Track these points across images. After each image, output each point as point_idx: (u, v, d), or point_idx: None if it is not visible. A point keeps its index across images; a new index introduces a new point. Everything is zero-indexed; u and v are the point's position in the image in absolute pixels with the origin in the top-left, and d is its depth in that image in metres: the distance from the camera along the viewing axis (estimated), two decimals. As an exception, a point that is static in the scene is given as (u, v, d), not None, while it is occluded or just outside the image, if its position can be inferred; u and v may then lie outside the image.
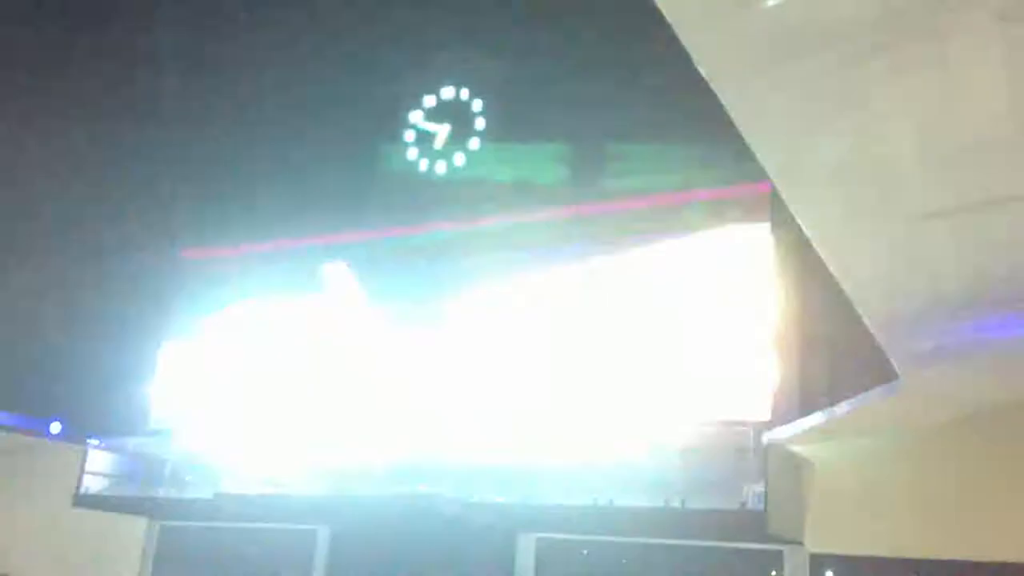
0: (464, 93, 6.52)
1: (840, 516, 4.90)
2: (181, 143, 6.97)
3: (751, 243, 5.38)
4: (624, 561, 5.55)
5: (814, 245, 3.61)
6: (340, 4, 6.40)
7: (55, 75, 6.28)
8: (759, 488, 5.11)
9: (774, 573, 5.35)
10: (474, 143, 6.42)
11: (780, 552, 5.30)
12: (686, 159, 5.64)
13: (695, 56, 2.66)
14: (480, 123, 6.42)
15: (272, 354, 6.77)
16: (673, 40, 5.15)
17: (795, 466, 5.26)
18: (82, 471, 7.16)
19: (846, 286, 3.71)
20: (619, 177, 5.86)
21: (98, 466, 7.17)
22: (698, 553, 5.38)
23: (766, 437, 5.16)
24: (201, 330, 7.02)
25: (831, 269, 3.58)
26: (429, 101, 6.62)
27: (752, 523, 5.00)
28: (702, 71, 2.69)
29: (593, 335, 5.71)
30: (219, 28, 6.32)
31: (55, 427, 7.16)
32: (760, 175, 5.36)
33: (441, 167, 6.47)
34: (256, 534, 6.76)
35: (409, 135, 6.66)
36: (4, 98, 6.26)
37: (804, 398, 5.04)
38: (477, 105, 6.47)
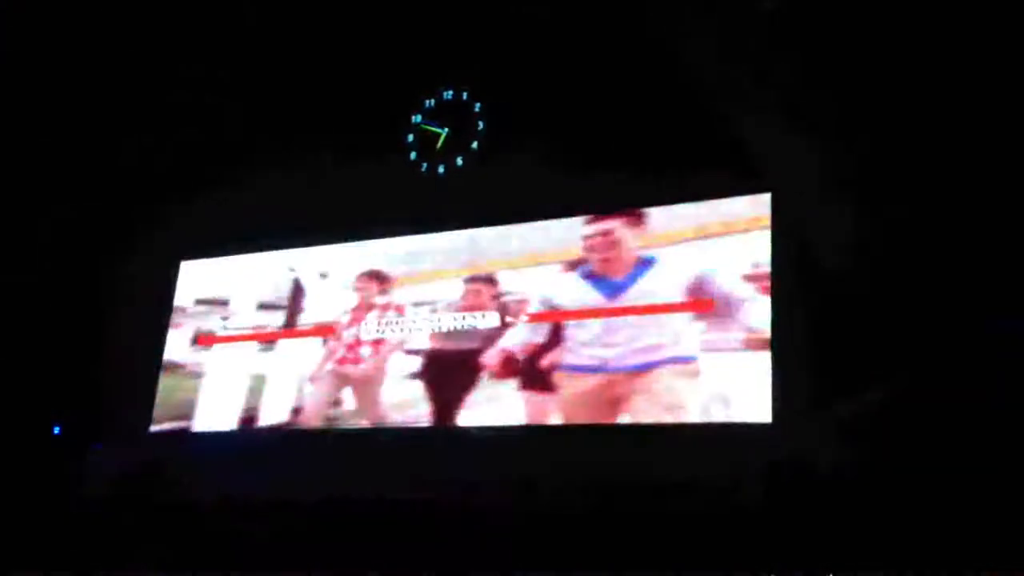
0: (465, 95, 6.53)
1: (842, 524, 4.78)
2: (178, 146, 7.01)
3: (751, 245, 5.31)
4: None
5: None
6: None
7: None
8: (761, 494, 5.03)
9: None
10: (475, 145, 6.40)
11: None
12: (688, 163, 5.57)
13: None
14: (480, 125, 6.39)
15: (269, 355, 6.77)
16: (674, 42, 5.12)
17: (797, 471, 5.16)
18: (82, 474, 7.20)
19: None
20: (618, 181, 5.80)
21: (98, 469, 7.18)
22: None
23: (767, 441, 5.07)
24: (203, 332, 7.02)
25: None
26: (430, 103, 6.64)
27: (754, 531, 4.91)
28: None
29: (595, 334, 5.64)
30: (214, 27, 6.35)
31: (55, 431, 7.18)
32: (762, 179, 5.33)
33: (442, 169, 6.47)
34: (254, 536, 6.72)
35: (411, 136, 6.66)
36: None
37: (806, 401, 4.94)
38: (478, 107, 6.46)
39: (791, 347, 4.98)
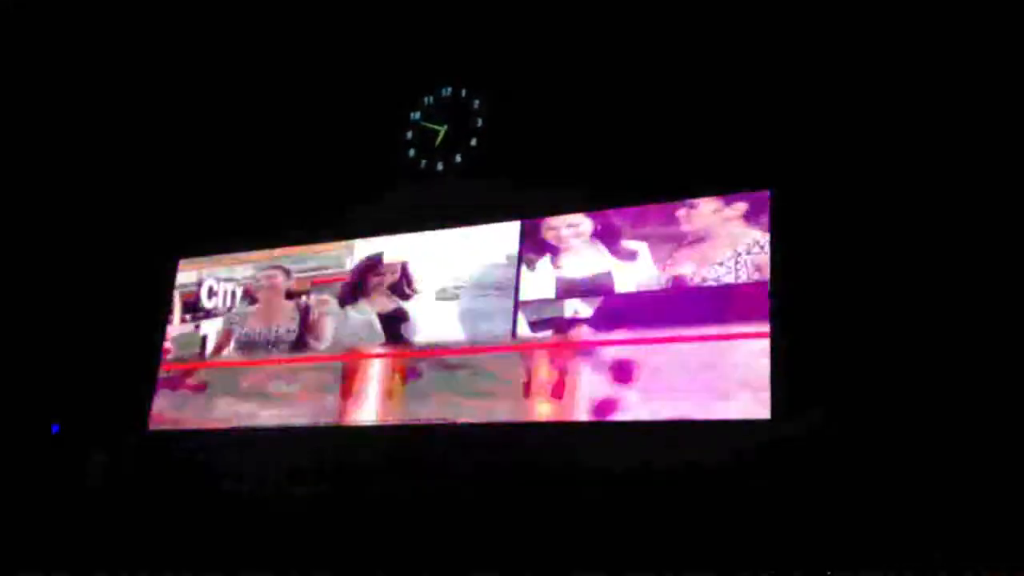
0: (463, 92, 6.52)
1: (845, 528, 4.76)
2: (176, 143, 7.00)
3: (751, 244, 5.31)
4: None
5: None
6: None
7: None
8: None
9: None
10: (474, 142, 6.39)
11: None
12: (689, 163, 5.57)
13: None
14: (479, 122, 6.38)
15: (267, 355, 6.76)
16: (676, 43, 5.11)
17: (796, 470, 5.14)
18: (79, 474, 7.18)
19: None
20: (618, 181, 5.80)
21: (94, 468, 7.16)
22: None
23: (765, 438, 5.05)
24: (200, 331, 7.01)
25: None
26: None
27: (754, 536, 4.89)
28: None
29: (598, 333, 5.62)
30: (214, 26, 6.34)
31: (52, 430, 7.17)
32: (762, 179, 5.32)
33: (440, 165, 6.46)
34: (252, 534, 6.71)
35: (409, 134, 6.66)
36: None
37: (805, 398, 4.94)
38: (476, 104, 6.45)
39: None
